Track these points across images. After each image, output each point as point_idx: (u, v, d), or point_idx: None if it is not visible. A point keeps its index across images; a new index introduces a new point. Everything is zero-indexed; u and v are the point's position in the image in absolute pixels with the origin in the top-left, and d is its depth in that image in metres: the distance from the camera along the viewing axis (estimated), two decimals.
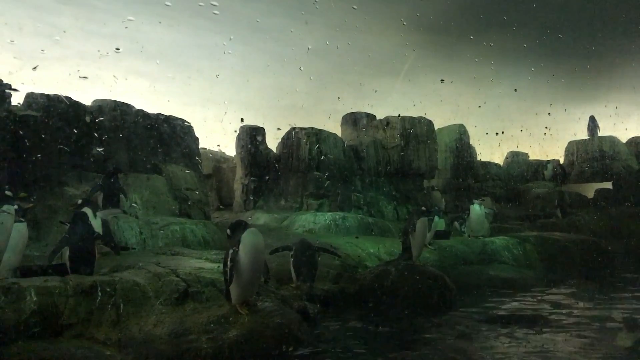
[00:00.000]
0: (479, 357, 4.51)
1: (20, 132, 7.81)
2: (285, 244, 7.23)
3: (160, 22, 16.37)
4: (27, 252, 6.28)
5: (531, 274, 9.34)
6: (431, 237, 9.56)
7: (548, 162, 18.44)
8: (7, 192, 5.32)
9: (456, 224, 11.93)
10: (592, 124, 18.07)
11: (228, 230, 4.82)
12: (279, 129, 13.61)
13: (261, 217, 11.96)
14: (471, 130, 17.02)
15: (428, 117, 15.04)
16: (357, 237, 9.91)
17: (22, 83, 8.27)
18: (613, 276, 9.66)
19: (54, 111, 8.51)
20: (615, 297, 7.71)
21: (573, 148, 18.40)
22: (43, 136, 8.10)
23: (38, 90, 8.62)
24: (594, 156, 17.46)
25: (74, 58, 15.69)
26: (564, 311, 6.54)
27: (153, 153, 10.29)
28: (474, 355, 4.56)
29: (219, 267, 5.58)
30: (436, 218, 11.76)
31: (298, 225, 11.16)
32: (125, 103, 10.04)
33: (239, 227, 4.78)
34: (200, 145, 12.10)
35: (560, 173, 17.75)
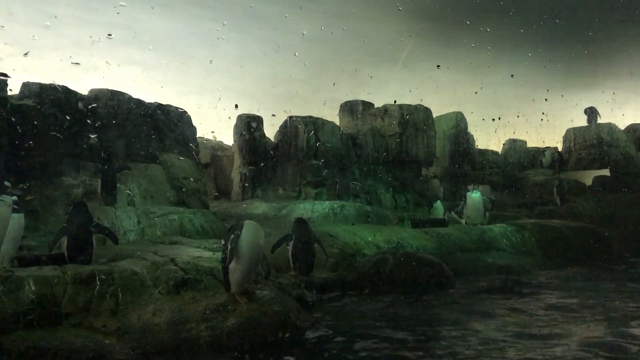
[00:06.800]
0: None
1: (13, 119, 7.73)
2: (284, 235, 6.92)
3: (152, 8, 16.20)
4: (24, 242, 6.27)
5: (529, 261, 9.36)
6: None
7: (546, 149, 18.41)
8: (6, 183, 5.30)
9: (453, 213, 11.81)
10: (590, 113, 18.02)
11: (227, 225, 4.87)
12: (273, 115, 13.52)
13: (259, 206, 11.93)
14: (468, 118, 16.94)
15: (425, 104, 14.92)
16: (353, 225, 9.89)
17: (14, 70, 8.18)
18: (610, 262, 9.69)
19: (47, 98, 8.41)
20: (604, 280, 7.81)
21: (571, 135, 18.34)
22: (38, 125, 8.02)
23: (31, 78, 8.53)
24: (592, 143, 17.41)
25: (68, 46, 15.54)
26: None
27: (150, 142, 10.21)
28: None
29: (215, 254, 5.58)
30: (437, 204, 11.86)
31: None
32: (122, 92, 9.94)
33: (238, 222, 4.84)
34: (197, 134, 12.03)
35: (558, 160, 17.72)
